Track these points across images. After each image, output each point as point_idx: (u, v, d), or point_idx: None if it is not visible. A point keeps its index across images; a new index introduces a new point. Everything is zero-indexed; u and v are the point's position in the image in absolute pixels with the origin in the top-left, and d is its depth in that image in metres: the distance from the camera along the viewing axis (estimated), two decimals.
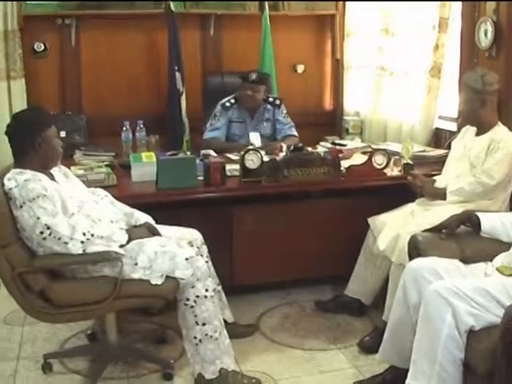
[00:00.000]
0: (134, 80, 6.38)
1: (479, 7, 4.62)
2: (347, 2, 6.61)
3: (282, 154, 4.67)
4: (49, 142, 3.40)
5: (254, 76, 5.35)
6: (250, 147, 4.32)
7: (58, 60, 6.26)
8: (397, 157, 4.54)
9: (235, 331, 3.86)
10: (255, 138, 4.96)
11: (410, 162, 4.44)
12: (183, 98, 6.19)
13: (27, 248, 3.30)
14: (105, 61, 6.31)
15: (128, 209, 3.70)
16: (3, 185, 3.26)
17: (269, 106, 5.53)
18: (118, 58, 6.32)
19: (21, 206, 3.21)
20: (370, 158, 4.44)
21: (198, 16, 6.51)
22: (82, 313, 3.39)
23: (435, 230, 3.49)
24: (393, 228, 3.94)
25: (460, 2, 4.91)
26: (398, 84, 5.82)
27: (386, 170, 4.45)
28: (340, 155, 4.58)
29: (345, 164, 4.48)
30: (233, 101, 5.48)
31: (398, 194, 4.21)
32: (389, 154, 4.48)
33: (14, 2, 5.86)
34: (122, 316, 3.78)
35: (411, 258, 3.42)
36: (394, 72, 5.87)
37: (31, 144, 3.35)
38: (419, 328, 2.96)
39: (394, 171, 4.48)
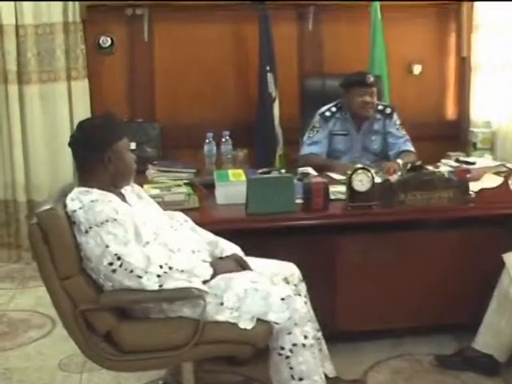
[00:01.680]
0: (218, 82, 6.46)
1: None
2: None
3: (396, 175, 4.63)
4: (120, 156, 3.44)
5: (371, 78, 5.31)
6: (359, 166, 4.27)
7: (127, 57, 6.39)
8: None
9: None
10: None
11: None
12: (276, 104, 6.24)
13: (92, 281, 3.30)
14: (183, 59, 6.40)
15: (212, 237, 3.72)
16: (65, 206, 3.29)
17: (378, 116, 5.45)
18: (198, 55, 6.40)
19: (86, 232, 3.23)
20: (505, 180, 4.37)
21: (294, 7, 6.55)
22: (155, 360, 3.37)
23: None
24: None
25: None
26: None
27: None
28: (468, 176, 4.52)
29: (474, 187, 4.41)
30: (334, 109, 5.42)
31: None
32: None
33: None
34: (200, 365, 3.77)
35: None
36: None
37: (99, 158, 3.39)
38: None
39: None
